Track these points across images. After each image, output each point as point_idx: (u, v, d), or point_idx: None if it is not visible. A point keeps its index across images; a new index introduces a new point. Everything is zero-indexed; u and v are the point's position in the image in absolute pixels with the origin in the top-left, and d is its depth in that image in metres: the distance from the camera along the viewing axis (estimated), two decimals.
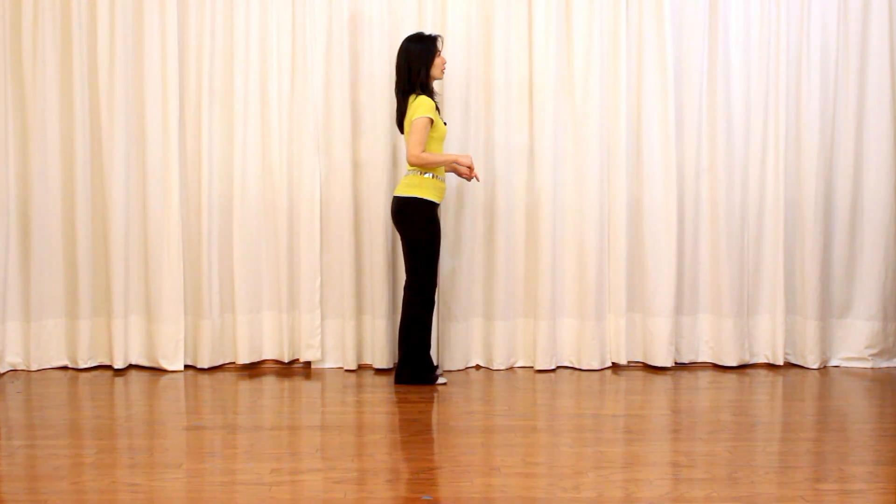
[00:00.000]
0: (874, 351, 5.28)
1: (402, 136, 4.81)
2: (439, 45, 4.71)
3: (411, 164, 4.60)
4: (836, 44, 5.19)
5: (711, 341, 5.29)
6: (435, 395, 4.71)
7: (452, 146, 5.10)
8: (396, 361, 4.94)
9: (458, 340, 5.15)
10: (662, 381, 4.96)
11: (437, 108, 4.65)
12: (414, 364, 4.78)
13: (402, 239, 4.72)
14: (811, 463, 3.62)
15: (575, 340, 5.22)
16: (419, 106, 4.58)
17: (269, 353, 5.25)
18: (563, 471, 3.47)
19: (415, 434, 3.96)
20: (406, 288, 4.76)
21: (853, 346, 5.31)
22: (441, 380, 4.84)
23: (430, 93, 4.69)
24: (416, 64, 4.65)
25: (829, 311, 5.29)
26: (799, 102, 5.22)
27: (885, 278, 5.26)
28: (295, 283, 5.19)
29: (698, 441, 3.87)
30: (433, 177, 4.66)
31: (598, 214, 5.15)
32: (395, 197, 4.71)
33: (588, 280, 5.17)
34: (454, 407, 4.47)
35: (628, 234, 5.20)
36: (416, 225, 4.62)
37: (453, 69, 5.10)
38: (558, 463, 3.58)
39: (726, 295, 5.22)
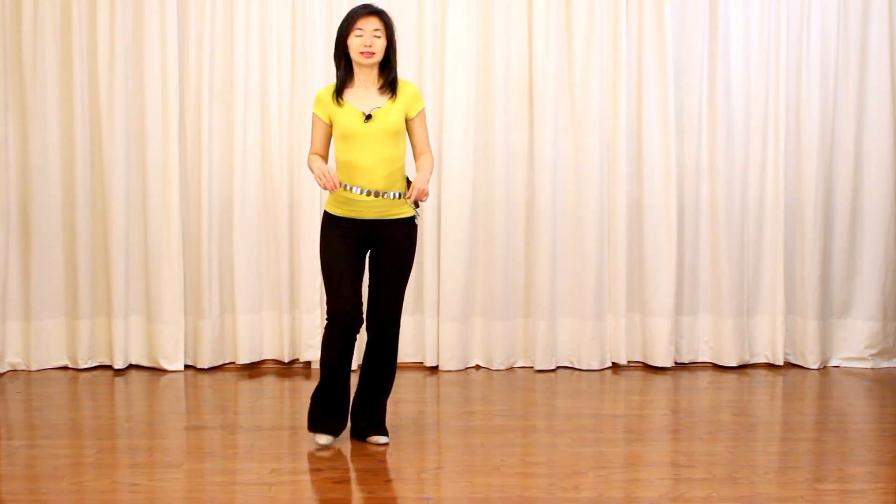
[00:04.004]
0: (874, 351, 5.27)
1: None
2: (361, 21, 3.66)
3: None
4: (836, 44, 5.18)
5: (711, 341, 5.29)
6: (435, 395, 4.71)
7: (453, 147, 5.09)
8: None
9: (457, 340, 5.15)
10: (662, 381, 4.96)
11: (337, 97, 3.70)
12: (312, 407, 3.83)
13: None
14: (811, 463, 3.62)
15: (575, 340, 5.21)
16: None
17: (269, 353, 5.25)
18: (563, 471, 3.47)
19: (415, 434, 3.96)
20: None
21: (853, 346, 5.30)
22: (321, 439, 3.77)
23: (343, 76, 3.72)
24: (337, 36, 3.74)
25: (829, 311, 5.29)
26: (799, 102, 5.22)
27: (885, 278, 5.26)
28: (295, 283, 5.18)
29: (698, 441, 3.87)
30: (342, 186, 3.64)
31: (598, 214, 5.15)
32: None
33: (588, 280, 5.16)
34: (454, 407, 4.47)
35: (628, 234, 5.20)
36: (319, 237, 3.81)
37: (454, 69, 5.09)
38: (558, 463, 3.58)
39: (726, 295, 5.21)
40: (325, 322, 3.71)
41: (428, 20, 5.08)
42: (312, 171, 3.68)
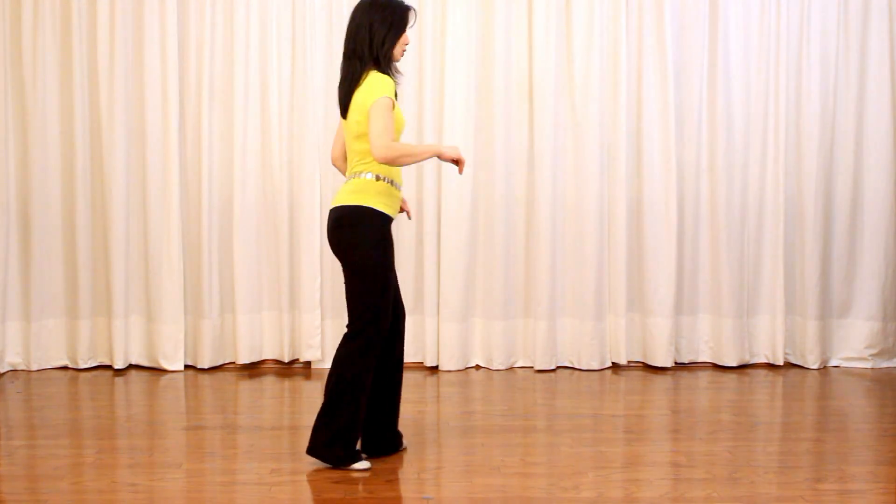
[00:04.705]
0: (874, 351, 5.27)
1: (345, 121, 3.52)
2: (411, 19, 3.52)
3: (381, 159, 3.32)
4: (836, 44, 5.18)
5: (711, 341, 5.29)
6: (435, 395, 4.71)
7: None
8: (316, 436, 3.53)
9: (458, 340, 5.15)
10: (662, 381, 4.96)
11: (396, 95, 3.48)
12: (340, 442, 3.47)
13: (344, 267, 3.49)
14: (811, 463, 3.62)
15: (575, 340, 5.21)
16: (378, 84, 3.37)
17: (269, 353, 5.25)
18: (563, 471, 3.47)
19: (415, 434, 3.96)
20: (345, 336, 3.50)
21: (853, 346, 5.30)
22: (363, 464, 3.49)
23: (390, 73, 3.48)
24: (381, 30, 3.42)
25: (829, 311, 5.29)
26: (799, 102, 5.22)
27: (885, 278, 5.26)
28: (295, 283, 5.18)
29: (698, 441, 3.87)
30: (389, 182, 3.47)
31: (598, 214, 5.15)
32: (333, 209, 3.49)
33: (588, 280, 5.16)
34: (454, 407, 4.47)
35: (628, 234, 5.20)
36: (364, 243, 3.41)
37: (454, 69, 5.09)
38: (558, 463, 3.58)
39: (726, 295, 5.21)
40: (369, 339, 3.43)
41: (428, 20, 5.08)
42: (419, 154, 3.39)
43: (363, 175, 3.45)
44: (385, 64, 3.44)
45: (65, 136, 5.09)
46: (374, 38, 3.42)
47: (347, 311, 3.49)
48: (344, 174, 3.63)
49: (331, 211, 3.50)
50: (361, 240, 3.42)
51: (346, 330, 3.51)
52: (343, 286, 3.50)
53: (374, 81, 3.38)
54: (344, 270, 3.48)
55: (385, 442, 3.65)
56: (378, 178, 3.44)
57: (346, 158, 3.61)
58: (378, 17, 3.43)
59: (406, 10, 3.49)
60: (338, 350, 3.49)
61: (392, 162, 3.33)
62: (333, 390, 3.45)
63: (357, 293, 3.45)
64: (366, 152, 3.43)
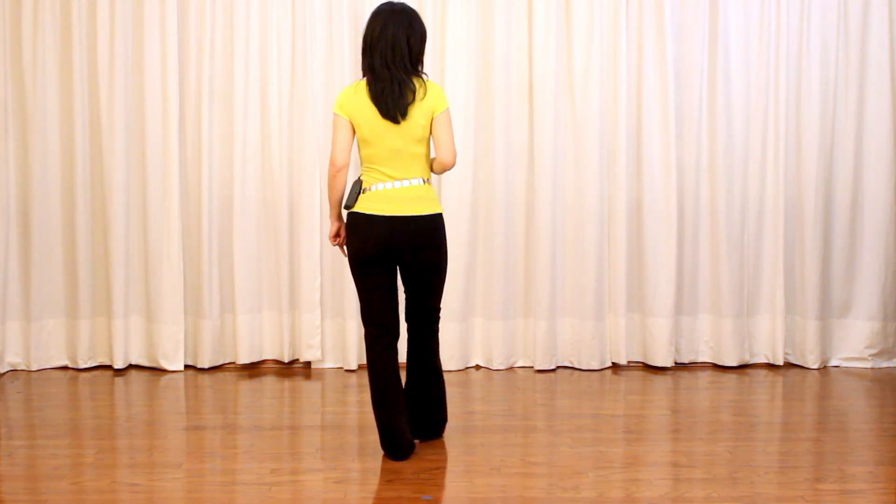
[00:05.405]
0: (874, 351, 5.28)
1: (397, 126, 3.56)
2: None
3: (449, 165, 3.61)
4: (836, 44, 5.18)
5: (711, 341, 5.29)
6: None
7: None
8: (436, 417, 3.86)
9: (458, 340, 5.15)
10: (662, 381, 4.96)
11: None
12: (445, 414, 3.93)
13: (434, 267, 3.66)
14: (811, 463, 3.63)
15: (575, 340, 5.21)
16: (443, 93, 3.64)
17: (269, 353, 5.25)
18: (563, 471, 3.48)
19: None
20: (434, 324, 3.77)
21: (853, 346, 5.30)
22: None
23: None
24: (416, 46, 3.67)
25: (829, 311, 5.29)
26: (799, 102, 5.22)
27: (885, 278, 5.26)
28: (295, 283, 5.19)
29: (698, 441, 3.87)
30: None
31: (598, 214, 5.15)
32: (420, 217, 3.57)
33: (588, 280, 5.16)
34: (454, 407, 4.47)
35: (628, 234, 5.20)
36: (446, 246, 3.72)
37: (454, 69, 5.09)
38: (558, 463, 3.58)
39: (726, 295, 5.22)
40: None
41: (428, 20, 5.08)
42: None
43: (422, 180, 3.63)
44: (420, 73, 3.66)
45: (65, 136, 5.09)
46: (412, 52, 3.62)
47: (431, 305, 3.72)
48: (340, 185, 3.63)
49: (417, 218, 3.57)
50: (446, 243, 3.71)
51: (425, 322, 3.73)
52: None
53: (438, 90, 3.63)
54: (435, 271, 3.67)
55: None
56: (430, 181, 3.69)
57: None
58: (411, 32, 3.64)
59: (422, 23, 3.74)
60: (426, 339, 3.75)
61: (449, 169, 3.67)
62: (439, 375, 3.80)
63: (441, 288, 3.75)
64: (425, 156, 3.64)
